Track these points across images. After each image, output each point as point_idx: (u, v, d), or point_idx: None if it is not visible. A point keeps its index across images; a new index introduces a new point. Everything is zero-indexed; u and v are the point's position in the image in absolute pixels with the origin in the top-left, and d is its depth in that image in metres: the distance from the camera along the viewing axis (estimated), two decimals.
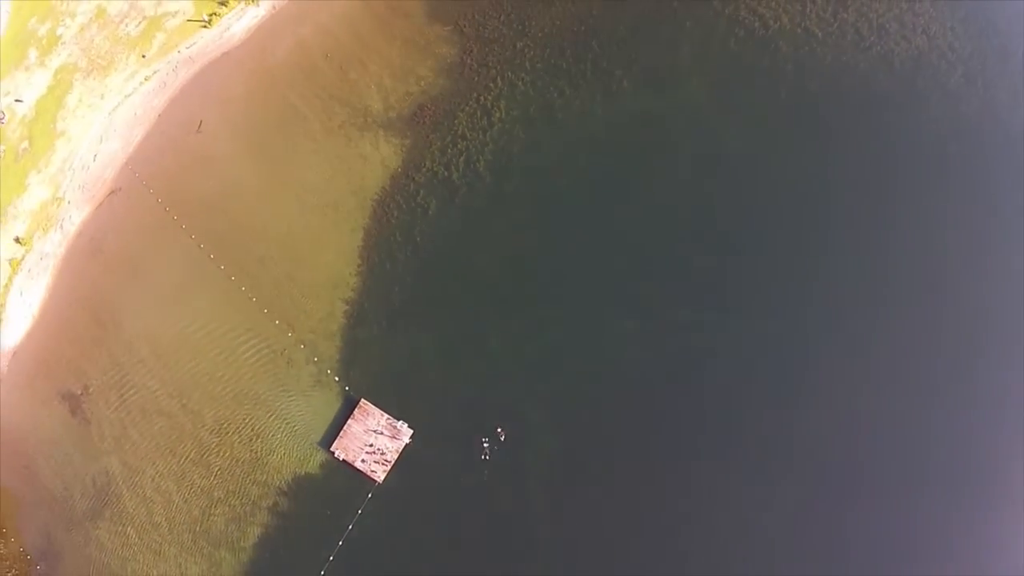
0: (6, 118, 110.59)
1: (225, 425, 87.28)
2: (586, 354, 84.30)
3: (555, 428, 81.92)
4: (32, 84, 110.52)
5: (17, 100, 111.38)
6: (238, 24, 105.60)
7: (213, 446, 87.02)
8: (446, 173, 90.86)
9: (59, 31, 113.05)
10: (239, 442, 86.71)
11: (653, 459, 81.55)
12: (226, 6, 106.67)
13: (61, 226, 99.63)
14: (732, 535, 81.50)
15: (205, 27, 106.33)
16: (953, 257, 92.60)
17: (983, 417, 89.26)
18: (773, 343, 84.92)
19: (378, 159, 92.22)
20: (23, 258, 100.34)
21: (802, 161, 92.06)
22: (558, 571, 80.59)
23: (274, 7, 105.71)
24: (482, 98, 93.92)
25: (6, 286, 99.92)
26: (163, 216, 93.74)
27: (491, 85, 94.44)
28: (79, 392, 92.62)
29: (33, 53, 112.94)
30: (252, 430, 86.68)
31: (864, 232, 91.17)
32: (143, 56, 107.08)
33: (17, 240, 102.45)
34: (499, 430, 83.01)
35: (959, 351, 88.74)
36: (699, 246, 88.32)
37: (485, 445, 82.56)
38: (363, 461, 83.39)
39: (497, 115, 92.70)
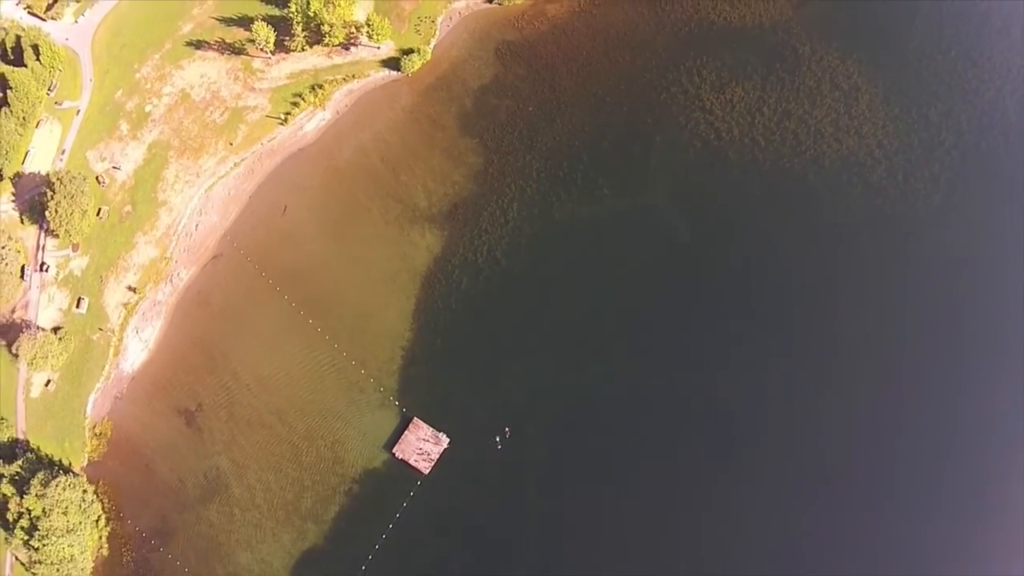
0: (107, 182, 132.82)
1: (313, 433, 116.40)
2: (569, 388, 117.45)
3: (545, 438, 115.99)
4: (128, 155, 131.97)
5: (115, 167, 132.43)
6: (309, 124, 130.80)
7: (304, 448, 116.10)
8: (473, 258, 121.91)
9: (147, 108, 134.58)
10: (324, 445, 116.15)
11: (617, 462, 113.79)
12: (298, 107, 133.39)
13: (171, 280, 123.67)
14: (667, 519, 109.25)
15: (281, 124, 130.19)
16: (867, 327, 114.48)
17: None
18: (704, 389, 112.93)
19: (424, 245, 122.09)
20: (137, 304, 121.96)
21: (737, 248, 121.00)
22: (545, 532, 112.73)
23: (338, 112, 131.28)
24: (500, 201, 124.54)
25: (122, 325, 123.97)
26: (259, 279, 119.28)
27: (507, 191, 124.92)
28: (193, 409, 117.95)
29: (124, 125, 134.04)
30: (334, 437, 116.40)
31: (791, 301, 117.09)
32: (230, 144, 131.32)
33: (131, 288, 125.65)
34: (506, 429, 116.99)
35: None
36: (657, 313, 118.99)
37: (498, 439, 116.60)
38: (415, 460, 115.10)
39: (511, 214, 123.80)
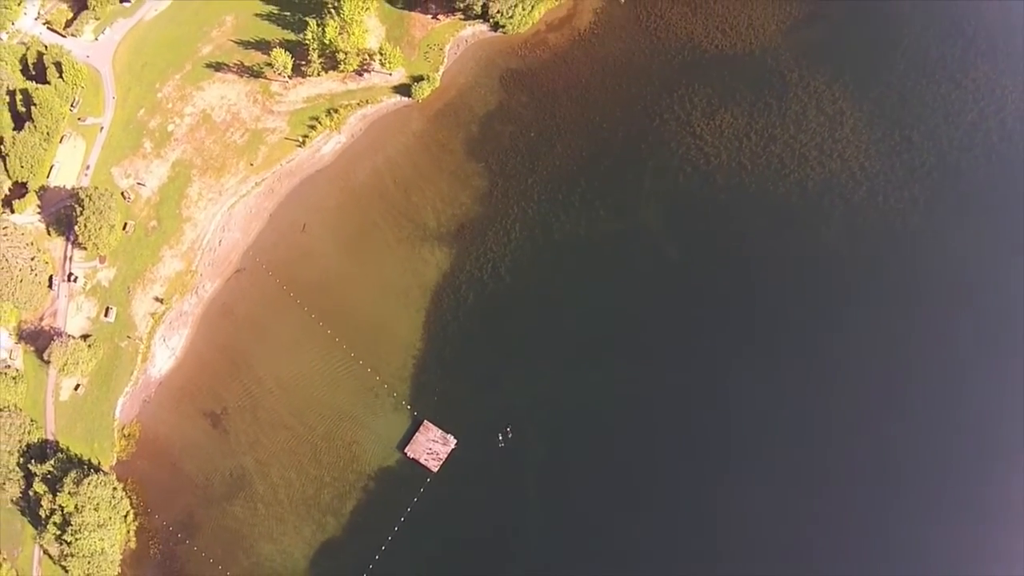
0: (132, 198, 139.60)
1: (331, 434, 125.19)
2: (566, 394, 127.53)
3: (542, 440, 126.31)
4: (152, 172, 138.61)
5: (139, 183, 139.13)
6: (326, 147, 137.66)
7: (323, 448, 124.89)
8: (479, 274, 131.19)
9: (170, 127, 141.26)
10: (341, 445, 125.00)
11: (612, 462, 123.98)
12: (315, 130, 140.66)
13: (196, 292, 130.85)
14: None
15: (300, 146, 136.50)
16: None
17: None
18: (694, 395, 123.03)
19: (434, 262, 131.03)
20: (163, 313, 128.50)
21: (723, 266, 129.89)
22: (545, 527, 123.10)
23: (353, 136, 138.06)
24: (504, 221, 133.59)
25: (150, 333, 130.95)
26: (280, 292, 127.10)
27: (510, 212, 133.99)
28: (219, 412, 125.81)
29: (148, 143, 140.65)
30: (350, 438, 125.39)
31: (776, 315, 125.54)
32: (251, 164, 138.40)
33: (157, 299, 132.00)
34: (508, 428, 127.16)
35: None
36: (648, 326, 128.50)
37: (500, 437, 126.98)
38: (425, 459, 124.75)
39: (514, 234, 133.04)
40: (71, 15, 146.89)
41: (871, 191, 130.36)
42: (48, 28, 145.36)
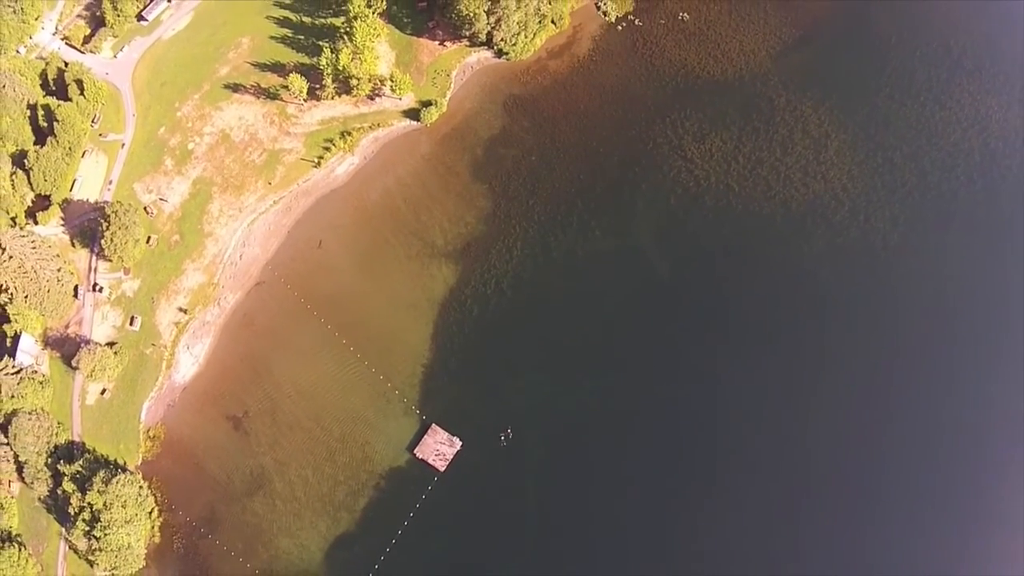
0: (155, 213, 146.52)
1: (346, 436, 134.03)
2: (563, 401, 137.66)
3: (541, 443, 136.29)
4: (174, 189, 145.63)
5: (161, 199, 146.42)
6: (340, 167, 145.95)
7: (337, 449, 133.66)
8: (483, 289, 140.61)
9: (190, 146, 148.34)
10: (355, 446, 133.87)
11: (606, 464, 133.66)
12: (329, 151, 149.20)
13: (218, 303, 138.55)
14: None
15: (315, 166, 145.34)
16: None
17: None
18: (683, 399, 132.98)
19: (441, 278, 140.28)
20: (187, 323, 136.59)
21: (710, 283, 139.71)
22: (542, 522, 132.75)
23: (365, 158, 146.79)
24: (506, 240, 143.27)
25: (174, 342, 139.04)
26: (299, 304, 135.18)
27: (512, 231, 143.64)
28: (240, 415, 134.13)
29: (169, 161, 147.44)
30: (363, 439, 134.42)
31: (756, 326, 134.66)
32: (269, 183, 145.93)
33: (181, 309, 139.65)
34: (507, 429, 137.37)
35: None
36: (640, 337, 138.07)
37: (502, 437, 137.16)
38: (433, 460, 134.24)
39: (515, 252, 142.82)
40: (89, 31, 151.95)
41: (852, 211, 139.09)
42: (66, 44, 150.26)
